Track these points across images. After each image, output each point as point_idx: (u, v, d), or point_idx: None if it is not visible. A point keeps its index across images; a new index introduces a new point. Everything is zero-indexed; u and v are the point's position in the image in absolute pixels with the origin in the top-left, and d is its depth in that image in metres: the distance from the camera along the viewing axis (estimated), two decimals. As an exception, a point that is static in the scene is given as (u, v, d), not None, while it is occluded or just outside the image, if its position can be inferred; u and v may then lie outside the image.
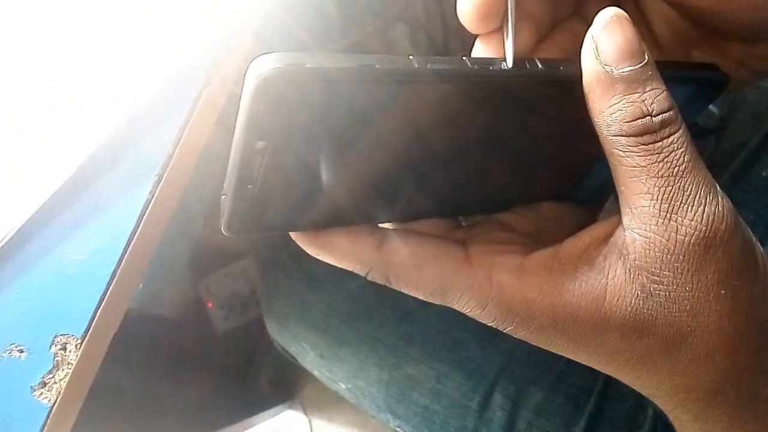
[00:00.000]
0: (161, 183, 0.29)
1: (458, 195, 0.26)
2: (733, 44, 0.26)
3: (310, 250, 0.24)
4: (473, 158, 0.24)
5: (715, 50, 0.27)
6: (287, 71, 0.18)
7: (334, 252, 0.23)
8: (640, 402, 0.48)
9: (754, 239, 0.22)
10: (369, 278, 0.24)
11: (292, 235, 0.24)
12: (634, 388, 0.25)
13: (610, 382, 0.49)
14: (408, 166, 0.23)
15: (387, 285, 0.24)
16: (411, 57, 0.20)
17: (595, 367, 0.24)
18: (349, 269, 0.24)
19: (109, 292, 0.29)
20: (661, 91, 0.20)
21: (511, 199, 0.27)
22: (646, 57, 0.20)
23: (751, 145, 0.47)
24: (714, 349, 0.22)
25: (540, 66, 0.22)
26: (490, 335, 0.52)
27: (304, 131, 0.20)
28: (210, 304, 0.98)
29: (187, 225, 0.85)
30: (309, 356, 0.58)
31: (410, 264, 0.23)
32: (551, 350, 0.24)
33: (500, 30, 0.23)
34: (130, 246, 0.29)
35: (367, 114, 0.20)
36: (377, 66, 0.19)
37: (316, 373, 0.59)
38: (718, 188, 0.21)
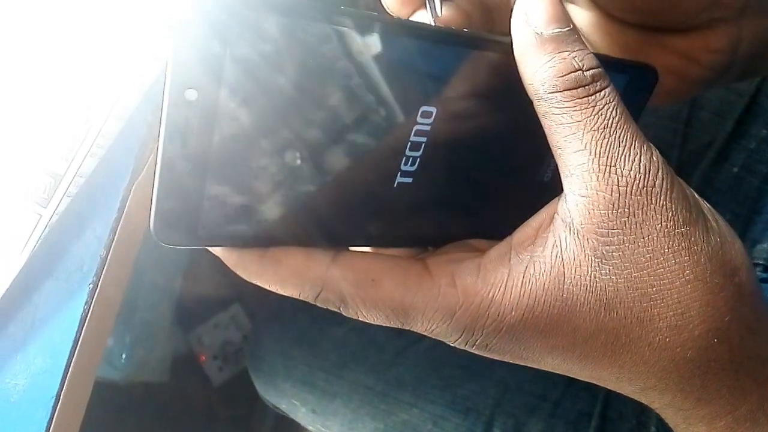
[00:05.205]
0: (97, 291, 0.28)
1: (418, 217, 0.24)
2: (676, 38, 0.26)
3: (253, 272, 0.21)
4: (432, 159, 0.22)
5: (658, 49, 0.27)
6: None
7: (279, 269, 0.21)
8: (642, 419, 0.46)
9: (696, 194, 0.22)
10: (320, 302, 0.21)
11: (224, 257, 0.21)
12: (625, 390, 0.24)
13: (609, 402, 0.47)
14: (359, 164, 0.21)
15: (340, 309, 0.22)
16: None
17: (576, 369, 0.23)
18: (294, 294, 0.21)
19: (56, 415, 0.27)
20: (588, 51, 0.21)
21: (473, 228, 0.25)
22: (571, 24, 0.21)
23: (717, 144, 0.46)
24: (688, 309, 0.21)
25: (466, 31, 0.22)
26: (481, 367, 0.50)
27: (238, 78, 0.17)
28: (203, 357, 0.96)
29: (166, 284, 0.83)
30: (301, 412, 0.56)
31: (367, 279, 0.21)
32: (528, 362, 0.23)
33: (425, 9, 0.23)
34: (72, 363, 0.27)
35: (307, 67, 0.18)
36: None
37: (310, 428, 0.57)
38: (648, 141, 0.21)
